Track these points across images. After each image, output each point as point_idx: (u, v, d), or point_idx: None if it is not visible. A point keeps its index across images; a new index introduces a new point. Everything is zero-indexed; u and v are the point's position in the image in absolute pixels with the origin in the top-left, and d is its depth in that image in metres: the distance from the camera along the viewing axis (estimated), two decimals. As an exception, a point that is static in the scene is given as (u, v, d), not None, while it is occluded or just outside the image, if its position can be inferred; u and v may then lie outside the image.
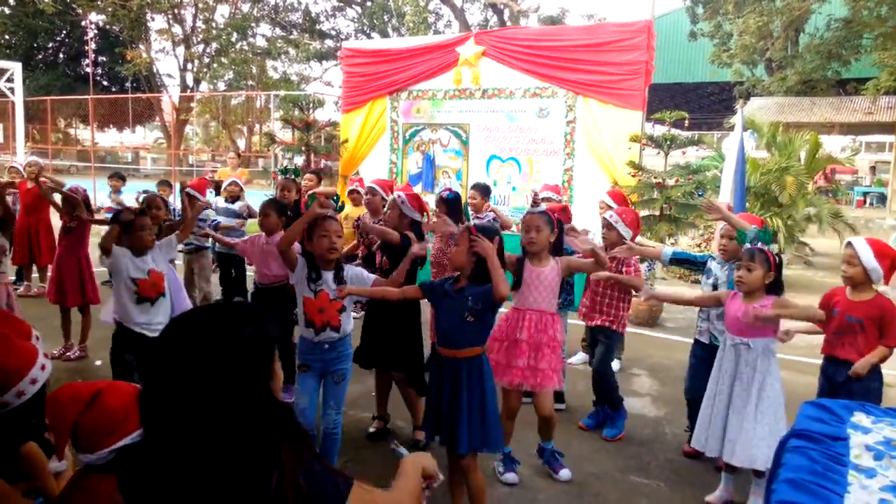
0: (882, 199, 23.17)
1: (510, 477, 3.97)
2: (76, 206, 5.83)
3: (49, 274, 6.54)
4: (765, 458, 3.42)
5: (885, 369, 6.46)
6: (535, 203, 4.02)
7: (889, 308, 3.62)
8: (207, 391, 1.27)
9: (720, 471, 3.81)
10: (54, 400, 2.06)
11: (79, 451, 2.02)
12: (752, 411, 3.50)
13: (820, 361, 3.91)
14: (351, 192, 7.19)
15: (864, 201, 24.15)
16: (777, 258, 3.60)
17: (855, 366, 3.59)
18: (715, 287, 4.22)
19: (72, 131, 30.90)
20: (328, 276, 3.58)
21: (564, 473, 3.99)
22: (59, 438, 2.00)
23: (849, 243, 3.74)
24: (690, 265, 4.63)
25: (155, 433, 1.31)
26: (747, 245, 3.81)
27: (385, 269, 4.46)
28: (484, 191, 6.46)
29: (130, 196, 8.40)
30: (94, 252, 5.23)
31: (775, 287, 3.59)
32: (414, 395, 4.41)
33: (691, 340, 4.46)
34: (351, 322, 3.74)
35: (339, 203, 6.14)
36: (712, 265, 4.32)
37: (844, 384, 3.65)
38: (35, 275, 8.19)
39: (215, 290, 7.32)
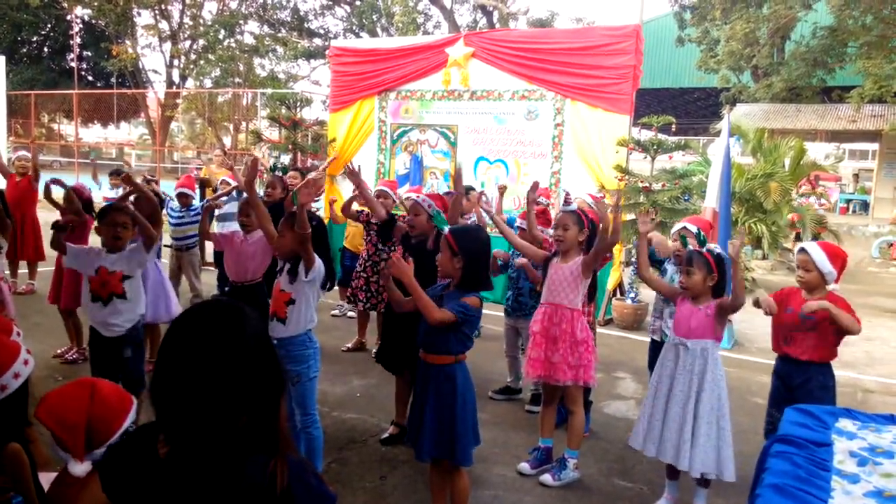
0: (865, 206, 23.41)
1: (546, 479, 3.94)
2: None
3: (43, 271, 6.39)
4: (701, 464, 3.41)
5: (870, 376, 6.54)
6: (567, 202, 4.06)
7: (842, 302, 3.67)
8: (217, 385, 1.30)
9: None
10: (54, 407, 2.07)
11: (93, 447, 2.05)
12: (690, 416, 3.47)
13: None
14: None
15: (848, 208, 24.41)
16: (718, 258, 3.58)
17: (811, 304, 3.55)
18: None
19: (55, 126, 30.59)
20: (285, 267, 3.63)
21: (546, 478, 3.97)
22: (74, 440, 2.04)
23: (802, 249, 3.77)
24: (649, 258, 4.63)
25: (168, 416, 1.35)
26: (688, 248, 3.85)
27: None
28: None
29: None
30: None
31: (720, 288, 3.58)
32: None
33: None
34: (307, 323, 3.57)
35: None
36: (668, 266, 4.38)
37: (801, 385, 3.67)
38: (24, 271, 8.06)
39: (210, 289, 7.31)
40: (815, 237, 10.93)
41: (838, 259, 3.69)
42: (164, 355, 1.36)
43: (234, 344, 1.33)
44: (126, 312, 3.89)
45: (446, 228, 3.30)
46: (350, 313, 7.60)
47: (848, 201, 24.81)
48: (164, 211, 6.16)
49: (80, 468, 2.02)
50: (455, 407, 3.13)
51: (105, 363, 3.88)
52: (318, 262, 3.56)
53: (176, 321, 1.40)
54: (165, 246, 7.01)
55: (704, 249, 3.68)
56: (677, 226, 4.39)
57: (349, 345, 6.44)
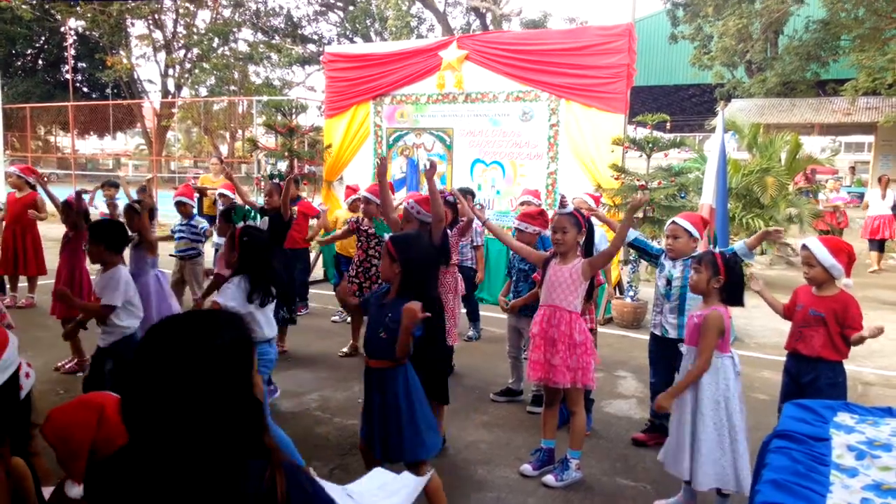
0: (862, 198, 23.41)
1: (548, 479, 3.94)
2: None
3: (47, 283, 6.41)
4: (714, 478, 3.36)
5: (869, 368, 6.56)
6: (563, 205, 4.12)
7: (850, 302, 3.70)
8: (189, 397, 1.28)
9: None
10: (60, 430, 2.06)
11: None
12: (688, 426, 3.44)
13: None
14: (356, 200, 7.11)
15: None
16: (727, 263, 3.53)
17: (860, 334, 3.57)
18: (668, 281, 4.31)
19: (52, 139, 30.58)
20: None
21: (549, 479, 3.97)
22: (75, 465, 2.03)
23: (804, 245, 3.78)
24: (645, 254, 4.65)
25: (139, 439, 1.32)
26: (710, 247, 3.86)
27: None
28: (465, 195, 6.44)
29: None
30: (92, 265, 5.08)
31: (732, 286, 3.52)
32: (435, 406, 3.83)
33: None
34: (266, 331, 3.66)
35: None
36: (665, 261, 4.39)
37: (811, 382, 3.69)
38: (24, 285, 8.05)
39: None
40: (824, 233, 10.98)
41: (842, 253, 3.68)
42: (135, 370, 1.33)
43: (201, 355, 1.30)
44: (110, 332, 4.01)
45: (387, 235, 3.35)
46: (350, 319, 7.61)
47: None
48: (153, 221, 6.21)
49: (76, 490, 2.03)
50: (400, 409, 3.14)
51: (93, 374, 4.00)
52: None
53: (145, 335, 1.37)
54: (169, 255, 7.03)
55: (717, 250, 3.69)
56: (669, 221, 4.42)
57: (345, 349, 6.42)
